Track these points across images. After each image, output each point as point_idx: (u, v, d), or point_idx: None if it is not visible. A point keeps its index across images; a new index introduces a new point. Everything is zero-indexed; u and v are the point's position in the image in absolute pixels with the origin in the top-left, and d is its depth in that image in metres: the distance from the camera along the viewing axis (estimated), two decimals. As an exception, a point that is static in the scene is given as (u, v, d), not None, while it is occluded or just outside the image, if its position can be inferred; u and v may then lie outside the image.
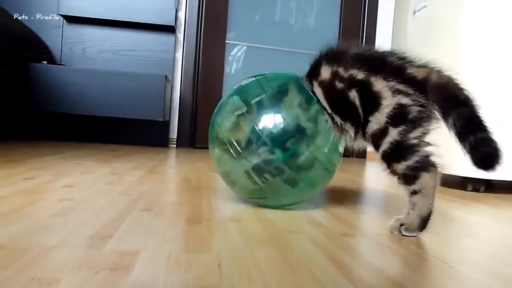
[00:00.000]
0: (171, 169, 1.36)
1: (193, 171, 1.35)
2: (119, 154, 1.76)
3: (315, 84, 0.77)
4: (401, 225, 0.67)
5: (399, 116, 0.66)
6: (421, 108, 0.66)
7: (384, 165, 0.70)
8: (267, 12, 2.75)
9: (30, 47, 2.19)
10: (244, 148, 0.76)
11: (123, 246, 0.51)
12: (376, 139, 0.69)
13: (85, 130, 2.41)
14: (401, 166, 0.67)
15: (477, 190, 1.33)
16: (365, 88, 0.70)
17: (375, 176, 1.65)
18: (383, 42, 2.77)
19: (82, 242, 0.51)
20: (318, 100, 0.77)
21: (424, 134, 0.68)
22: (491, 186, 1.46)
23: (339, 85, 0.73)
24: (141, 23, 2.36)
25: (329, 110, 0.76)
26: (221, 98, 2.59)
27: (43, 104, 2.09)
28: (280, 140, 0.75)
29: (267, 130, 0.75)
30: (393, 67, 0.69)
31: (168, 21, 2.35)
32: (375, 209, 0.91)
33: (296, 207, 0.84)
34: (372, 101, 0.69)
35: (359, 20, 2.81)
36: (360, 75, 0.70)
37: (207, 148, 2.95)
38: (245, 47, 2.71)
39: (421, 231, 0.67)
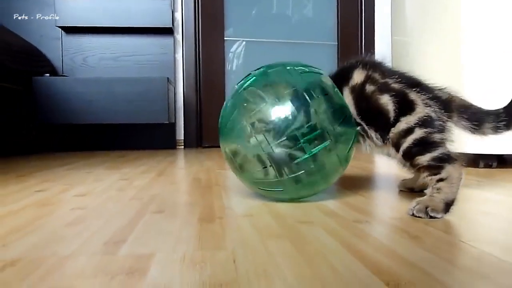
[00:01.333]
0: (181, 170, 1.37)
1: (202, 170, 1.35)
2: (128, 159, 1.77)
3: (346, 91, 0.79)
4: (426, 207, 0.66)
5: (427, 122, 0.72)
6: (442, 123, 0.73)
7: (407, 163, 0.74)
8: (263, 5, 2.74)
9: (31, 61, 2.21)
10: (268, 131, 0.72)
11: (137, 249, 0.51)
12: (399, 138, 0.74)
13: (93, 139, 2.43)
14: (424, 158, 0.71)
15: (490, 166, 1.32)
16: (401, 95, 0.75)
17: (386, 161, 1.64)
18: (382, 26, 2.75)
19: (97, 249, 0.51)
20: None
21: (445, 139, 0.73)
22: (503, 162, 1.44)
23: (371, 87, 0.77)
24: (138, 27, 2.37)
25: (358, 118, 0.78)
26: (224, 95, 2.59)
27: (49, 117, 2.11)
28: (310, 138, 0.72)
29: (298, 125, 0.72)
30: (425, 85, 0.78)
31: (165, 23, 2.35)
32: (387, 194, 0.91)
33: (308, 198, 0.83)
34: (408, 106, 0.74)
35: (357, 6, 2.79)
36: (396, 85, 0.76)
37: (215, 147, 2.93)
38: (244, 43, 2.70)
39: (445, 214, 0.67)
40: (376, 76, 0.78)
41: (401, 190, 0.92)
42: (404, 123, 0.73)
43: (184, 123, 2.56)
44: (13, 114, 2.08)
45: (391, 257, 0.47)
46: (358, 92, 0.77)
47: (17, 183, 1.07)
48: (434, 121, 0.72)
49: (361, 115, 0.78)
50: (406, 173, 0.89)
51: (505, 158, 1.52)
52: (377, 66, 0.80)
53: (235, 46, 2.70)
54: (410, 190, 0.91)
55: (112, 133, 2.45)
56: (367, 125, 0.78)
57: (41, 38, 2.36)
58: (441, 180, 0.69)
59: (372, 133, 0.77)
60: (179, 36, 2.55)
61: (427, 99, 0.74)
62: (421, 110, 0.73)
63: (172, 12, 2.42)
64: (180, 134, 2.56)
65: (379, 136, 0.77)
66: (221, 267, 0.44)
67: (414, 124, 0.72)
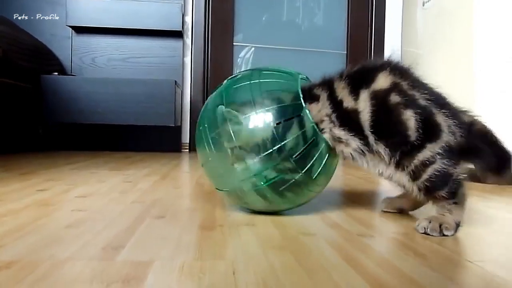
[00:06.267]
0: (185, 174, 1.36)
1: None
2: (133, 161, 1.77)
3: (364, 94, 0.68)
4: (441, 225, 0.64)
5: (447, 152, 0.65)
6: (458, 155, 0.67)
7: (422, 196, 0.68)
8: (273, 12, 2.74)
9: (41, 59, 2.21)
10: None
11: (135, 256, 0.50)
12: (420, 167, 0.66)
13: (98, 139, 2.43)
14: (442, 191, 0.66)
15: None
16: (427, 115, 0.66)
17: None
18: (392, 34, 2.73)
19: (95, 253, 0.50)
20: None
21: (459, 165, 0.67)
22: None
23: (396, 98, 0.67)
24: (148, 29, 2.37)
25: (367, 129, 0.68)
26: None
27: (57, 115, 2.11)
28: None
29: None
30: (454, 108, 0.69)
31: (175, 26, 2.36)
32: (393, 206, 0.89)
33: (312, 209, 0.82)
34: (433, 130, 0.66)
35: (367, 14, 2.78)
36: (423, 101, 0.67)
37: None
38: (253, 49, 2.70)
39: (455, 233, 0.65)
40: (405, 86, 0.67)
41: (386, 211, 0.82)
42: (429, 150, 0.65)
43: (190, 127, 2.55)
44: (21, 112, 2.08)
45: (395, 274, 0.46)
46: (380, 101, 0.67)
47: (20, 181, 1.07)
48: (454, 153, 0.66)
49: (374, 127, 0.67)
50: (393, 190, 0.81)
51: (513, 174, 1.50)
52: (407, 74, 0.70)
53: (243, 52, 2.70)
54: (400, 211, 0.82)
55: (118, 134, 2.45)
56: (377, 138, 0.68)
57: (52, 37, 2.37)
58: (454, 203, 0.67)
59: (380, 147, 0.68)
60: (188, 40, 2.55)
61: (453, 125, 0.66)
62: (446, 138, 0.66)
63: (183, 15, 2.42)
64: (186, 138, 2.56)
65: (388, 152, 0.67)
66: (220, 278, 0.43)
67: (437, 154, 0.65)
